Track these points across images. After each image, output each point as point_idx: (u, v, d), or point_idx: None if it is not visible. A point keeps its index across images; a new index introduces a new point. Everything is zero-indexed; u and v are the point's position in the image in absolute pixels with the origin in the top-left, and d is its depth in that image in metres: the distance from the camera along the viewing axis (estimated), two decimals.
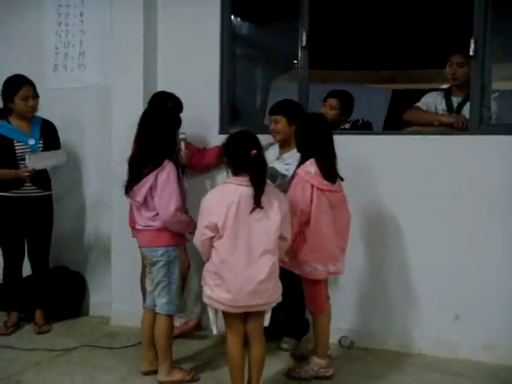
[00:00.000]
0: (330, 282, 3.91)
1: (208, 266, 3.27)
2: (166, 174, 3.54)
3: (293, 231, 3.45)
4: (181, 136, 4.39)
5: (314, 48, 4.56)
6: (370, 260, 4.38)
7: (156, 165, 3.54)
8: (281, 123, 4.19)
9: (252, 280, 3.16)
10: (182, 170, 4.40)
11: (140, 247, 3.77)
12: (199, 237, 3.25)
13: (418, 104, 4.53)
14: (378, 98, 7.05)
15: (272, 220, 3.19)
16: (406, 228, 4.28)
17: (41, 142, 4.62)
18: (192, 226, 3.66)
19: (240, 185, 3.18)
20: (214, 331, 3.36)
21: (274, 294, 3.27)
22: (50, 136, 4.69)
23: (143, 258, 3.80)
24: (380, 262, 4.37)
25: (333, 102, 4.81)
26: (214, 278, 3.22)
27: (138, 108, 4.01)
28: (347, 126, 4.88)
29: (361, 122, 4.98)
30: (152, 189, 3.56)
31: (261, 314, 3.32)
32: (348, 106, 4.91)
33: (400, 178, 4.26)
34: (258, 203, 3.14)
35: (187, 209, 3.90)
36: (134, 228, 3.87)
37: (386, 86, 7.11)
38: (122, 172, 3.71)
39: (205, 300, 3.32)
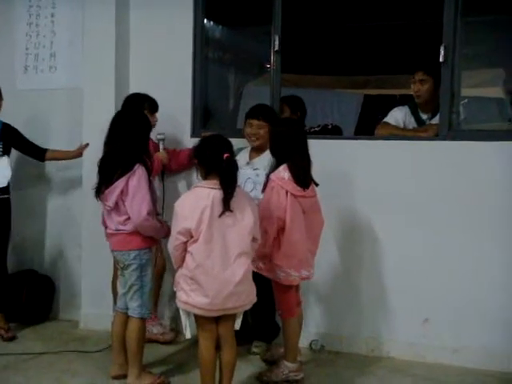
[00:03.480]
0: (302, 285, 3.92)
1: (183, 271, 3.25)
2: (137, 179, 3.52)
3: (270, 237, 3.51)
4: (159, 136, 4.41)
5: (287, 52, 4.58)
6: (342, 264, 4.40)
7: (127, 169, 3.52)
8: (264, 129, 4.11)
9: (229, 283, 3.17)
10: (162, 172, 4.43)
11: (112, 251, 3.74)
12: (172, 241, 3.24)
13: (387, 119, 4.52)
14: (350, 103, 7.10)
15: (246, 222, 3.22)
16: (377, 232, 4.31)
17: (0, 144, 4.57)
18: (164, 230, 3.69)
19: (213, 188, 3.19)
20: (188, 335, 3.35)
21: (250, 295, 3.30)
22: (11, 139, 4.65)
23: (115, 261, 3.78)
24: (351, 266, 4.39)
25: (282, 106, 4.74)
26: (190, 283, 3.21)
27: (109, 111, 4.00)
28: (316, 129, 4.91)
29: (330, 126, 5.02)
30: (123, 193, 3.53)
31: (232, 317, 3.33)
32: (296, 108, 4.90)
33: (371, 183, 4.28)
34: (227, 207, 3.15)
35: (159, 212, 3.90)
36: (106, 227, 3.83)
37: (358, 91, 7.15)
38: (93, 176, 3.69)
39: (179, 305, 3.31)
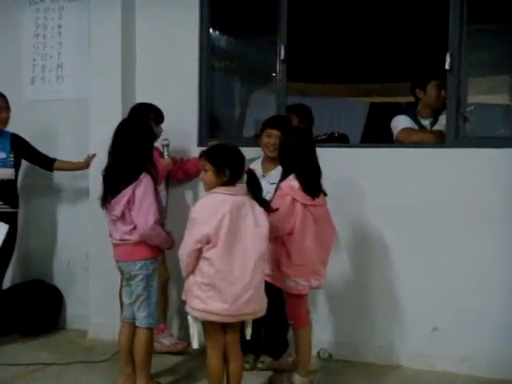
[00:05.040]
0: (311, 293, 3.88)
1: (196, 279, 3.22)
2: (144, 188, 3.51)
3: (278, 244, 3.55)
4: (163, 142, 4.40)
5: (293, 61, 4.58)
6: (351, 273, 4.38)
7: (132, 178, 3.51)
8: None
9: (248, 287, 3.18)
10: (167, 180, 4.42)
11: (117, 262, 3.71)
12: (187, 248, 3.21)
13: (407, 125, 4.46)
14: (356, 111, 7.12)
15: (262, 227, 3.26)
16: (386, 242, 4.28)
17: (11, 155, 4.60)
18: (169, 240, 3.68)
19: (230, 194, 3.22)
20: (195, 345, 3.32)
21: (264, 300, 3.31)
22: (21, 149, 4.68)
23: (121, 272, 3.76)
24: (361, 275, 4.37)
25: (289, 115, 4.74)
26: (207, 290, 3.18)
27: (116, 121, 3.98)
28: (323, 137, 4.90)
29: (337, 134, 5.01)
30: (129, 202, 3.51)
31: (239, 326, 3.32)
32: (304, 117, 4.92)
33: (378, 192, 4.27)
34: (266, 205, 3.33)
35: (164, 223, 3.88)
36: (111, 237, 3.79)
37: (364, 98, 7.15)
38: (99, 186, 3.66)
39: (193, 314, 3.26)
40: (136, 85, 4.84)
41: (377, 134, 4.97)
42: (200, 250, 3.19)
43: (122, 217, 3.56)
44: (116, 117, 4.45)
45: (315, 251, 3.61)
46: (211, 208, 3.19)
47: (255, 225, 3.24)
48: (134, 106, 4.44)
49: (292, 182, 3.56)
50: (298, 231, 3.54)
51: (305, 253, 3.56)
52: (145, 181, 3.53)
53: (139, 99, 4.70)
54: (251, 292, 3.19)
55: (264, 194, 3.87)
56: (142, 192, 3.50)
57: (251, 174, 3.34)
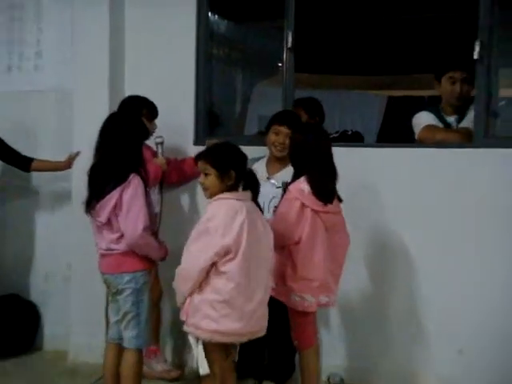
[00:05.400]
0: (321, 310, 3.88)
1: (208, 296, 3.21)
2: (133, 190, 3.49)
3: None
4: (157, 140, 4.42)
5: (301, 50, 4.59)
6: (367, 288, 4.38)
7: (121, 180, 3.50)
8: None
9: (263, 302, 3.26)
10: (161, 183, 4.43)
11: (102, 274, 3.70)
12: (201, 263, 3.18)
13: (429, 122, 4.45)
14: (372, 106, 7.10)
15: (269, 237, 3.33)
16: (407, 252, 4.29)
17: None
18: (162, 250, 3.68)
19: (244, 201, 3.27)
20: (203, 371, 3.30)
21: (267, 316, 3.35)
22: None
23: (107, 285, 3.76)
24: (377, 290, 4.37)
25: (297, 110, 4.73)
26: (221, 308, 3.18)
27: (102, 116, 3.99)
28: (335, 135, 4.91)
29: (350, 132, 5.01)
30: (116, 207, 3.50)
31: (232, 347, 3.36)
32: (314, 113, 4.92)
33: (397, 196, 4.28)
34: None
35: (157, 231, 3.89)
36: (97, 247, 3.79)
37: (382, 92, 7.15)
38: (84, 188, 3.66)
39: (202, 336, 3.25)
40: (125, 75, 4.85)
41: (395, 132, 4.96)
42: (213, 265, 3.19)
43: (109, 223, 3.55)
44: (103, 111, 4.45)
45: (325, 264, 3.60)
46: (229, 216, 3.20)
47: (264, 233, 3.29)
48: (125, 99, 4.45)
49: (302, 184, 3.56)
50: (306, 240, 3.54)
51: (313, 265, 3.56)
52: (134, 183, 3.51)
53: (129, 92, 4.70)
54: (264, 307, 3.26)
55: (269, 198, 3.91)
56: (130, 195, 3.49)
57: (252, 175, 3.36)
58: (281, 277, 3.59)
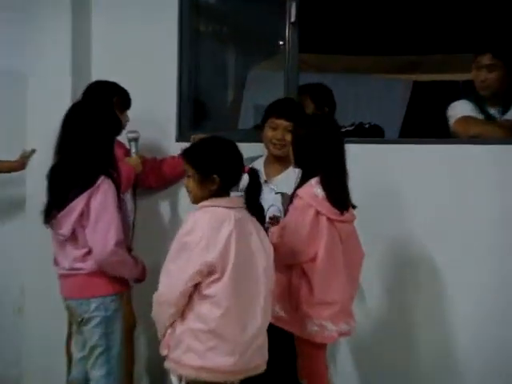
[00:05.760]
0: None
1: (191, 325, 3.19)
2: (103, 196, 3.49)
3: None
4: (130, 135, 4.42)
5: (307, 24, 4.60)
6: (388, 311, 4.39)
7: (88, 183, 3.49)
8: None
9: (260, 332, 3.23)
10: (134, 187, 4.43)
11: (64, 299, 3.70)
12: (180, 285, 3.15)
13: (466, 113, 4.45)
14: (394, 93, 7.14)
15: (268, 252, 3.30)
16: (437, 268, 4.28)
17: None
18: (139, 271, 3.68)
19: (233, 208, 3.23)
20: None
21: (266, 349, 3.34)
22: None
23: (69, 314, 3.76)
24: (401, 314, 4.38)
25: (302, 98, 4.78)
26: (207, 339, 3.16)
27: (63, 106, 4.00)
28: (349, 128, 4.92)
29: (367, 125, 5.03)
30: (83, 217, 3.50)
31: None
32: (323, 102, 4.93)
33: (423, 202, 4.28)
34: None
35: (132, 246, 3.88)
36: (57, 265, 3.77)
37: (406, 76, 7.18)
38: (41, 194, 3.66)
39: (186, 373, 3.22)
40: (92, 56, 4.87)
41: (422, 125, 4.96)
42: (196, 287, 3.17)
43: (73, 237, 3.55)
44: (64, 100, 4.47)
45: (344, 282, 3.61)
46: (212, 227, 3.17)
47: (261, 247, 3.27)
48: (91, 84, 4.43)
49: (315, 188, 3.55)
50: (325, 256, 3.52)
51: (334, 285, 3.56)
52: (104, 187, 3.51)
53: (96, 76, 4.71)
54: (262, 338, 3.24)
55: (267, 206, 3.89)
56: (99, 202, 3.49)
57: (254, 175, 3.34)
58: (292, 302, 3.58)
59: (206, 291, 3.14)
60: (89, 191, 3.48)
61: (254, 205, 3.34)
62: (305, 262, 3.54)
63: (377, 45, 6.95)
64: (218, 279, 3.13)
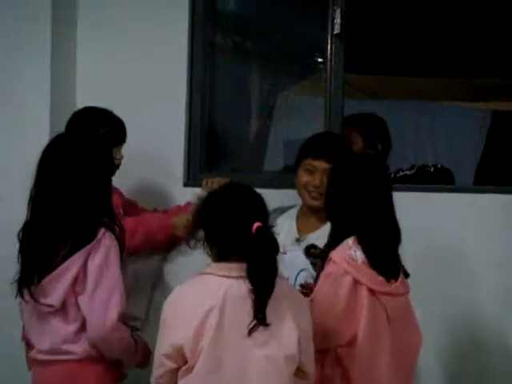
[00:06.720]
0: None
1: None
2: (103, 255, 3.47)
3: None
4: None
5: (354, 37, 4.73)
6: None
7: (85, 238, 3.47)
8: None
9: None
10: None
11: None
12: (155, 370, 3.21)
13: None
14: (466, 124, 7.16)
15: (284, 342, 3.15)
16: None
17: None
18: (142, 353, 3.66)
19: (227, 277, 3.17)
20: None
21: None
22: None
23: None
24: None
25: (348, 132, 4.88)
26: None
27: (41, 136, 4.07)
28: (408, 172, 4.98)
29: (432, 168, 5.07)
30: (77, 282, 3.46)
31: None
32: (374, 137, 5.03)
33: (503, 269, 4.35)
34: (262, 316, 3.09)
35: (137, 326, 3.96)
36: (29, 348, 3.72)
37: (482, 104, 7.20)
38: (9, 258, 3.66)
39: None
40: (77, 74, 4.96)
41: (505, 168, 5.00)
42: (176, 373, 3.17)
43: (63, 308, 3.50)
44: (41, 129, 4.59)
45: (391, 375, 3.56)
46: (191, 301, 3.17)
47: (271, 337, 3.14)
48: (76, 112, 4.49)
49: (352, 250, 3.52)
50: (365, 340, 3.47)
51: (376, 378, 3.52)
52: (105, 243, 3.49)
53: (81, 100, 4.81)
54: None
55: (297, 270, 3.90)
56: (100, 263, 3.47)
57: (261, 236, 3.14)
58: None
59: (180, 382, 3.16)
60: (87, 248, 3.46)
61: (265, 267, 3.12)
62: (339, 347, 3.50)
63: (447, 64, 6.99)
64: (189, 369, 3.13)
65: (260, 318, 3.06)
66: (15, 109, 4.79)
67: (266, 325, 3.07)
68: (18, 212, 3.60)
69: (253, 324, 3.06)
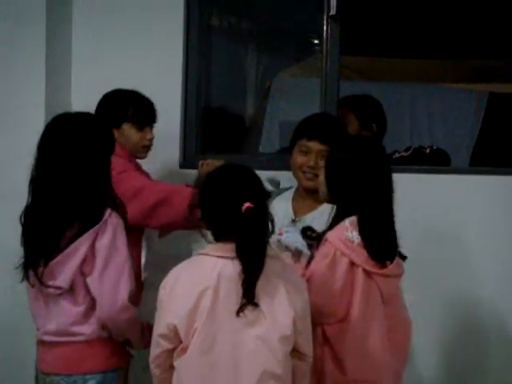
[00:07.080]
0: None
1: None
2: (111, 236, 3.47)
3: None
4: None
5: (350, 19, 4.71)
6: None
7: (92, 219, 3.46)
8: None
9: None
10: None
11: (44, 375, 3.62)
12: (152, 351, 3.23)
13: None
14: (463, 106, 7.16)
15: (279, 322, 3.15)
16: (509, 334, 4.37)
17: None
18: (148, 332, 3.56)
19: (222, 258, 3.17)
20: None
21: None
22: None
23: None
24: None
25: (343, 113, 4.89)
26: None
27: (36, 128, 4.10)
28: (404, 154, 4.99)
29: (428, 149, 5.08)
30: (85, 263, 3.45)
31: None
32: (370, 118, 5.02)
33: (500, 251, 4.37)
34: (250, 296, 3.09)
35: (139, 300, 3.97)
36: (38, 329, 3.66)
37: (478, 86, 7.20)
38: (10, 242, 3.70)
39: None
40: (72, 60, 4.97)
41: (501, 150, 5.01)
42: (172, 353, 3.19)
43: (70, 290, 3.49)
44: (37, 123, 4.55)
45: (387, 355, 3.57)
46: (188, 281, 3.19)
47: (265, 317, 3.14)
48: (107, 94, 4.45)
49: (348, 231, 3.52)
50: (358, 317, 3.48)
51: (371, 356, 3.51)
52: (112, 223, 3.49)
53: (76, 88, 4.88)
54: None
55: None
56: (108, 243, 3.47)
57: (250, 215, 3.12)
58: (314, 379, 3.51)
59: (176, 362, 3.19)
60: (95, 229, 3.45)
61: (253, 247, 3.12)
62: (330, 323, 3.51)
63: (443, 46, 7.00)
64: (183, 350, 3.15)
65: (248, 297, 3.06)
66: (11, 109, 4.82)
67: (255, 304, 3.08)
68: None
69: (241, 303, 3.07)
